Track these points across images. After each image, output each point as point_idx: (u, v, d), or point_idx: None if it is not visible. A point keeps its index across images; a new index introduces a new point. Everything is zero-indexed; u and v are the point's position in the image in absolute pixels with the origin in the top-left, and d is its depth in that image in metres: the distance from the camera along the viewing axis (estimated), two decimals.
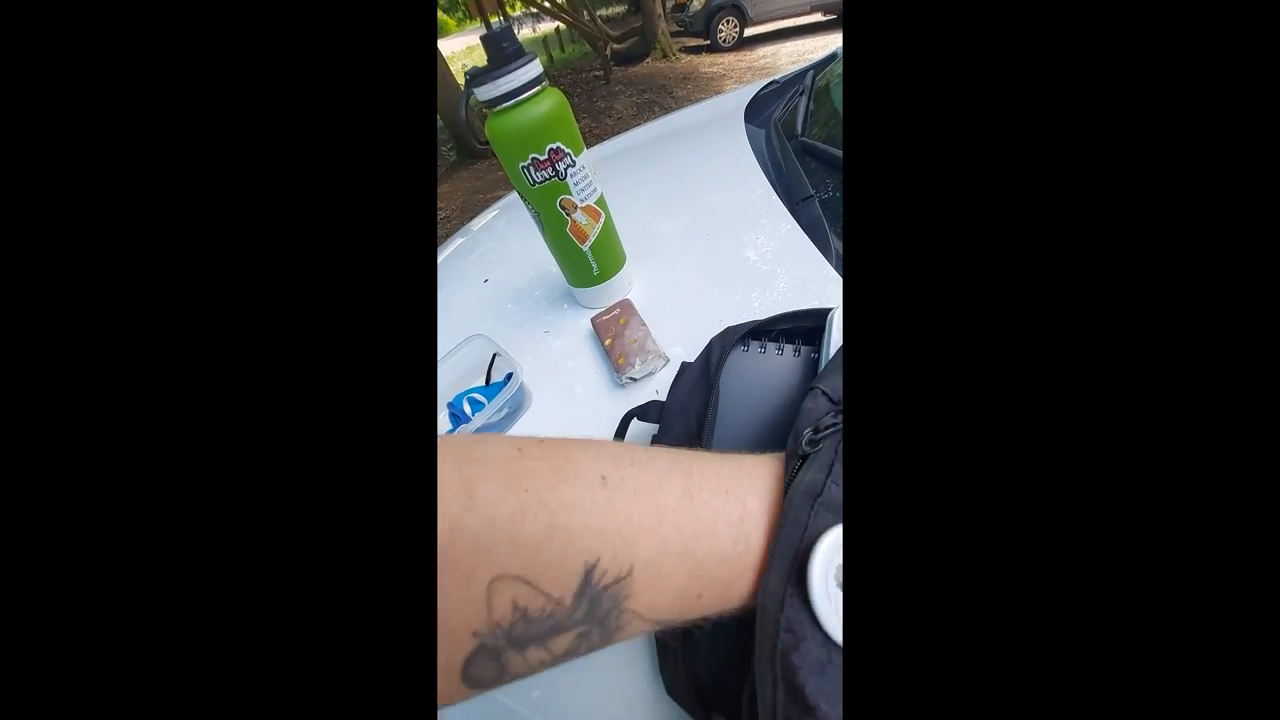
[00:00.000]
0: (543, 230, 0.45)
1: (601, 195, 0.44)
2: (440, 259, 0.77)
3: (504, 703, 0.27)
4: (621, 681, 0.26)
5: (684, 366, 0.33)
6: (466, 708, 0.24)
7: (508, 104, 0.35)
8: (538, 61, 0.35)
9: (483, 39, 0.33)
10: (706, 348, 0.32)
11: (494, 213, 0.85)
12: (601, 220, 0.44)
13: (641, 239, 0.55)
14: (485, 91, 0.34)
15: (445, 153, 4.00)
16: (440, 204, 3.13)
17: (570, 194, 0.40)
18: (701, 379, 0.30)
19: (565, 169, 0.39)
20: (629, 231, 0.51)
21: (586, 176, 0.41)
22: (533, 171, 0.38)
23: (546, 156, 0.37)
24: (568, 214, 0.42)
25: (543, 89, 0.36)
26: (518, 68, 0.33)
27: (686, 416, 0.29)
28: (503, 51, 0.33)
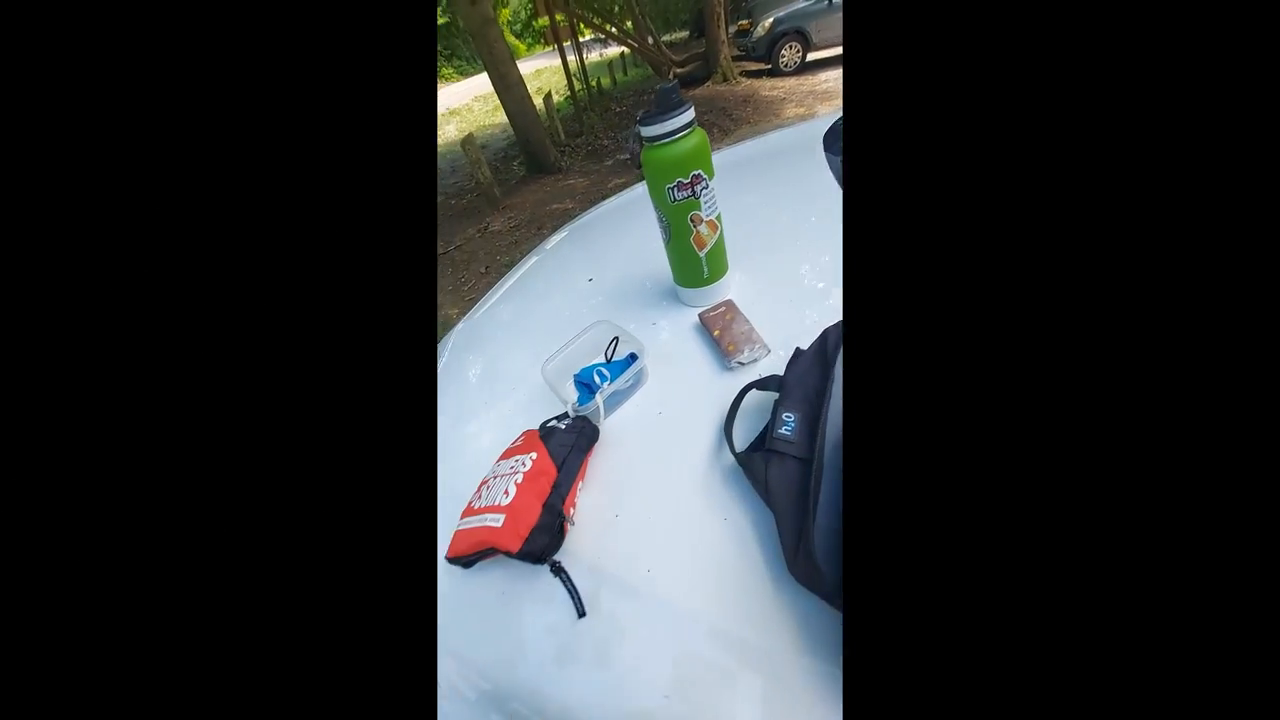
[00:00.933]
0: (667, 239, 0.54)
1: (720, 213, 0.53)
2: (523, 270, 0.88)
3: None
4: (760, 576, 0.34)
5: (799, 351, 0.41)
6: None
7: (665, 140, 0.45)
8: (692, 109, 0.45)
9: (657, 91, 0.43)
10: (821, 336, 0.39)
11: (561, 235, 0.96)
12: (718, 233, 0.54)
13: (741, 249, 0.64)
14: (650, 130, 0.45)
15: (515, 167, 4.33)
16: (510, 214, 3.39)
17: (700, 210, 0.50)
18: (818, 360, 0.38)
19: (700, 190, 0.48)
20: (729, 242, 0.60)
21: (713, 197, 0.50)
22: (675, 191, 0.48)
23: (689, 180, 0.47)
24: (694, 226, 0.51)
25: (693, 128, 0.46)
26: (679, 114, 0.44)
27: (805, 388, 0.37)
28: (670, 102, 0.43)
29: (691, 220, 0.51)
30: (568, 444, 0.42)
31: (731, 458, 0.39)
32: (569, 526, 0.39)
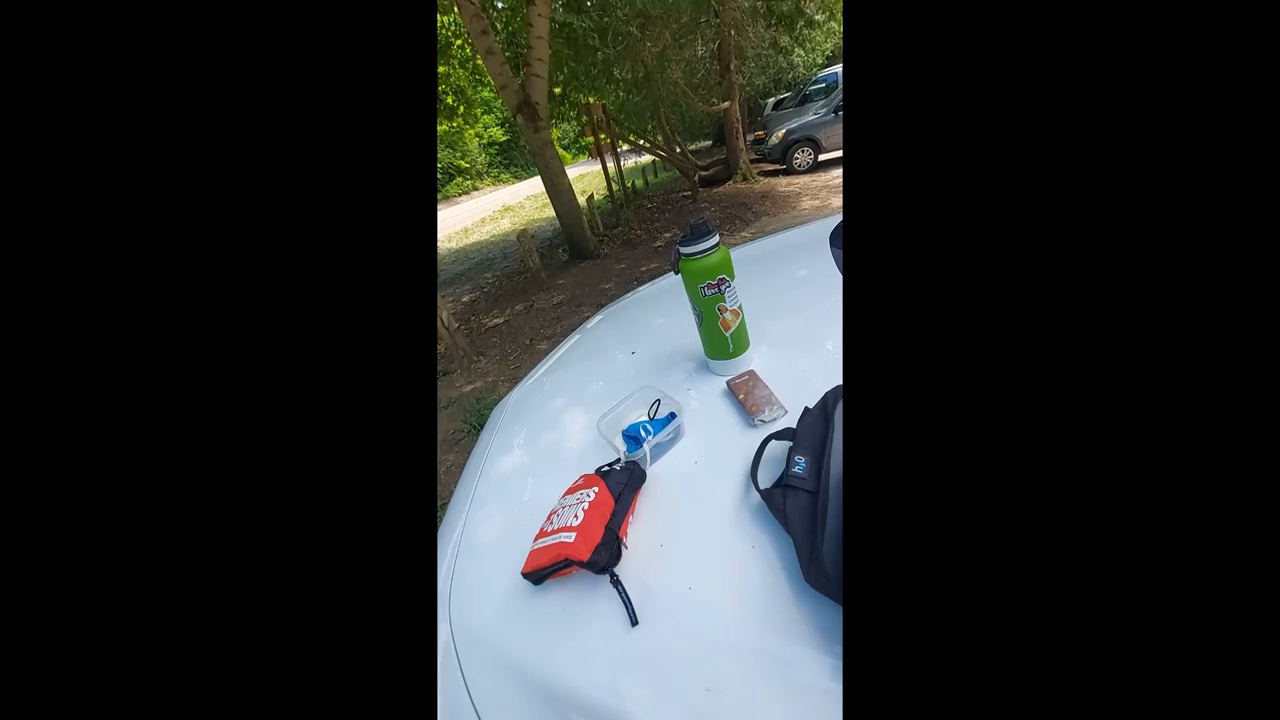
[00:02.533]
0: (700, 323, 0.69)
1: (741, 304, 0.68)
2: (569, 344, 1.05)
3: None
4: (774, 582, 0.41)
5: (807, 409, 0.52)
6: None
7: (697, 256, 0.62)
8: (718, 234, 0.62)
9: (691, 226, 0.61)
10: (823, 398, 0.51)
11: (599, 317, 1.14)
12: (740, 318, 0.68)
13: (760, 329, 0.77)
14: (687, 249, 0.62)
15: (560, 254, 4.91)
16: (553, 293, 3.80)
17: (725, 301, 0.65)
18: (821, 415, 0.49)
19: (725, 289, 0.64)
20: (750, 323, 0.74)
21: (735, 292, 0.66)
22: (706, 290, 0.64)
23: (715, 282, 0.63)
24: (721, 314, 0.66)
25: (718, 246, 0.63)
26: (708, 239, 0.61)
27: (812, 437, 0.48)
28: (701, 232, 0.61)
29: (719, 310, 0.66)
30: (622, 482, 0.53)
31: (757, 496, 0.48)
32: (624, 549, 0.48)
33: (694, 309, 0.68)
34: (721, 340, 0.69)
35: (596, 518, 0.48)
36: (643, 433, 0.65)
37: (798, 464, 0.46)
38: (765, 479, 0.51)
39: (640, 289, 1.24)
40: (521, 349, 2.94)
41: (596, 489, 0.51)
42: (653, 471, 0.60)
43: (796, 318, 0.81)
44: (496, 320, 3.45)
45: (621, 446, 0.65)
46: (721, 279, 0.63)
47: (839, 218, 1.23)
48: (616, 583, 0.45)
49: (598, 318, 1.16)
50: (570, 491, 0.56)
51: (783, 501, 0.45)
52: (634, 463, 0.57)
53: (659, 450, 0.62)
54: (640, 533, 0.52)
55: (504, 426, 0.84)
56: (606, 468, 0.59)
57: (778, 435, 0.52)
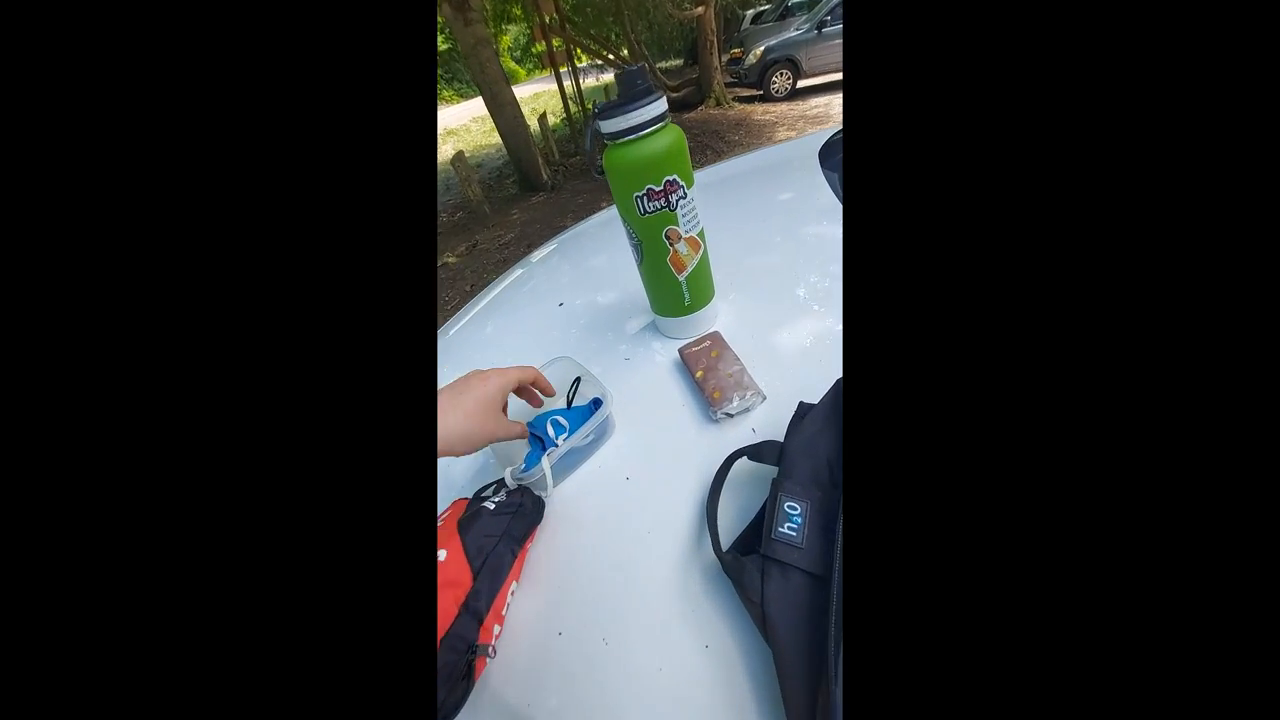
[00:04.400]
0: (640, 259, 0.45)
1: (702, 229, 0.44)
2: (503, 285, 0.81)
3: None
4: None
5: (803, 406, 0.31)
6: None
7: (630, 137, 0.36)
8: (664, 99, 0.36)
9: (617, 76, 0.35)
10: (834, 387, 0.29)
11: (551, 246, 0.89)
12: (700, 252, 0.44)
13: (728, 272, 0.54)
14: (612, 125, 0.36)
15: (509, 186, 4.31)
16: (500, 231, 3.34)
17: (677, 224, 0.41)
18: (831, 420, 0.28)
19: (677, 200, 0.39)
20: (715, 264, 0.51)
21: (694, 209, 0.41)
22: (645, 202, 0.39)
23: (662, 188, 0.38)
24: (671, 244, 0.42)
25: (666, 124, 0.37)
26: (647, 103, 0.35)
27: (815, 461, 0.27)
28: (636, 89, 0.34)
29: (667, 237, 0.41)
30: (496, 533, 0.31)
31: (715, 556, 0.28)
32: (487, 660, 0.28)
33: (630, 236, 0.43)
34: (672, 287, 0.45)
35: None
36: (550, 430, 0.43)
37: (789, 516, 0.26)
38: (732, 522, 0.31)
39: (598, 215, 0.96)
40: (462, 297, 2.59)
41: (444, 554, 0.30)
42: (561, 494, 0.39)
43: (779, 259, 0.58)
44: None
45: (515, 458, 0.43)
46: (671, 183, 0.38)
47: (823, 136, 0.98)
48: None
49: (548, 248, 0.89)
50: None
51: (759, 583, 0.25)
52: (524, 490, 0.35)
53: (572, 460, 0.41)
54: (528, 609, 0.32)
55: None
56: (485, 495, 0.37)
57: (752, 452, 0.31)
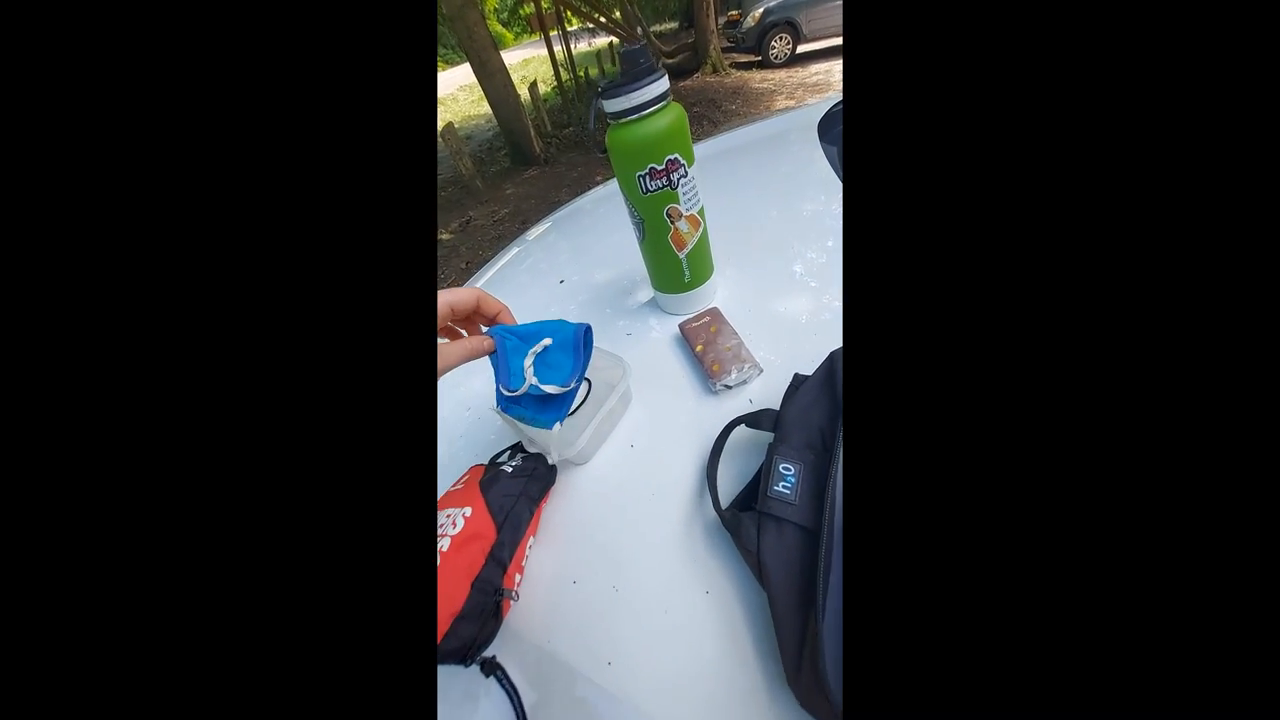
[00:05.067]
0: (642, 237, 0.46)
1: (702, 206, 0.45)
2: (501, 263, 0.81)
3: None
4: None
5: (798, 378, 0.33)
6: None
7: (633, 117, 0.37)
8: (666, 78, 0.36)
9: (621, 55, 0.35)
10: (828, 361, 0.32)
11: (546, 225, 0.89)
12: (700, 229, 0.45)
13: (726, 248, 0.55)
14: (615, 104, 0.36)
15: (500, 159, 4.18)
16: (494, 206, 3.27)
17: (678, 203, 0.42)
18: (824, 392, 0.30)
19: (678, 179, 0.40)
20: (714, 240, 0.52)
21: (694, 187, 0.42)
22: (648, 180, 0.39)
23: (664, 167, 0.39)
24: (672, 222, 0.43)
25: (668, 104, 0.38)
26: (650, 83, 0.35)
27: (808, 428, 0.29)
28: (638, 67, 0.35)
29: (668, 215, 0.42)
30: (515, 492, 0.34)
31: (715, 514, 0.31)
32: (510, 603, 0.31)
33: (632, 214, 0.44)
34: (673, 263, 0.47)
35: (460, 566, 0.29)
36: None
37: (783, 476, 0.28)
38: (731, 483, 0.33)
39: (594, 191, 0.96)
40: (457, 274, 2.56)
41: (470, 510, 0.32)
42: (572, 460, 0.42)
43: (777, 235, 0.59)
44: None
45: (526, 431, 0.45)
46: (673, 161, 0.39)
47: (822, 107, 0.97)
48: (493, 670, 0.28)
49: (543, 226, 0.89)
50: (443, 504, 0.36)
51: (756, 536, 0.27)
52: (538, 456, 0.38)
53: (599, 433, 0.43)
54: (545, 561, 0.35)
55: None
56: (502, 459, 0.40)
57: (750, 419, 0.33)
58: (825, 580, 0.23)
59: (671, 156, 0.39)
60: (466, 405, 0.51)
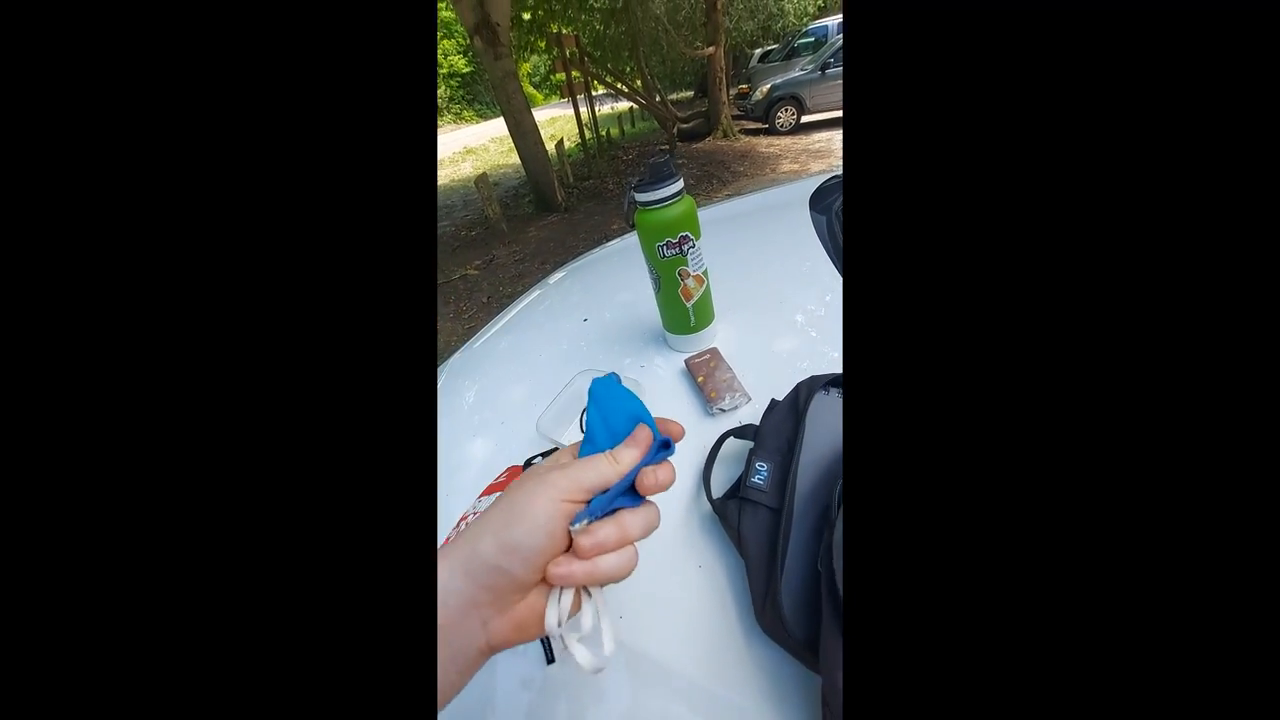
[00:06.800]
0: (658, 290, 0.58)
1: (706, 268, 0.57)
2: (529, 299, 0.94)
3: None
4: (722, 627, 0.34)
5: (774, 402, 0.43)
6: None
7: (656, 206, 0.50)
8: (681, 180, 0.50)
9: (650, 165, 0.49)
10: (795, 389, 0.42)
11: (561, 274, 1.02)
12: (704, 285, 0.57)
13: (727, 299, 0.67)
14: (644, 196, 0.49)
15: (524, 205, 4.54)
16: (517, 246, 3.53)
17: (687, 265, 0.54)
18: (791, 412, 0.40)
19: (687, 249, 0.53)
20: (716, 293, 0.64)
21: (699, 254, 0.55)
22: (665, 250, 0.52)
23: (677, 240, 0.51)
24: (682, 279, 0.55)
25: (681, 195, 0.51)
26: (669, 184, 0.49)
27: (779, 436, 0.39)
28: (662, 174, 0.48)
29: (679, 274, 0.55)
30: None
31: (709, 505, 0.40)
32: None
33: (650, 272, 0.57)
34: (681, 311, 0.58)
35: None
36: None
37: (758, 471, 0.38)
38: (720, 484, 0.43)
39: (609, 244, 1.10)
40: (478, 307, 2.73)
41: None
42: None
43: (769, 290, 0.71)
44: (452, 275, 3.18)
45: (562, 436, 0.55)
46: (684, 236, 0.52)
47: (819, 179, 1.13)
48: None
49: (559, 274, 1.02)
50: (488, 492, 0.46)
51: (737, 517, 0.37)
52: None
53: None
54: None
55: (440, 393, 0.72)
56: (536, 459, 0.49)
57: (737, 432, 0.43)
58: (785, 545, 0.32)
59: (683, 233, 0.51)
60: (503, 419, 0.61)
